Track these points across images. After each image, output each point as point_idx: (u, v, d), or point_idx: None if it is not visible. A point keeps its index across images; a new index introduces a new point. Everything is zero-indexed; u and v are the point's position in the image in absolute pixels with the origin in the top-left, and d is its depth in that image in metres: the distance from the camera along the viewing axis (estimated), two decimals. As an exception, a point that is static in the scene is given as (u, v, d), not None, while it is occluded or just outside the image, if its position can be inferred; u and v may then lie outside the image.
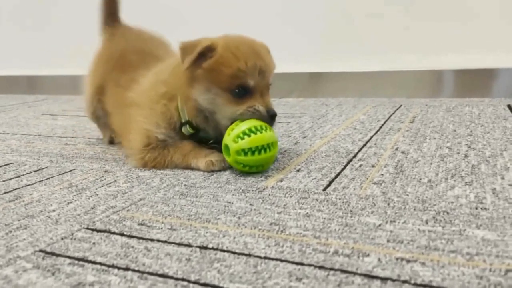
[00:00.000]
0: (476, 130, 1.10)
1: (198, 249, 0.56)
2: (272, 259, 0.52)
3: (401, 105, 1.54)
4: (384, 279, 0.47)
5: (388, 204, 0.67)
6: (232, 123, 0.85)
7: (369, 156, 0.93)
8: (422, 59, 1.70)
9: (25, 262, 0.55)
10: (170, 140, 0.92)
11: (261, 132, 0.82)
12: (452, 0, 1.63)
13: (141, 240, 0.59)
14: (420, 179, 0.77)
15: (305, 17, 1.84)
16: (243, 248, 0.56)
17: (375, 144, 1.03)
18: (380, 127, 1.20)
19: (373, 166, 0.86)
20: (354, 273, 0.48)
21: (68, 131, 1.37)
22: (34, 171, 0.94)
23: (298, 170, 0.86)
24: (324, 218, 0.63)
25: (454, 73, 1.66)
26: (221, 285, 0.48)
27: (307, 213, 0.65)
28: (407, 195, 0.70)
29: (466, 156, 0.89)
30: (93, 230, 0.63)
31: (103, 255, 0.56)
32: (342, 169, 0.85)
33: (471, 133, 1.08)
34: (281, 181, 0.80)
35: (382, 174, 0.81)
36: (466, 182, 0.74)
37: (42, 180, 0.87)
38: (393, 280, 0.47)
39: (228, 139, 0.83)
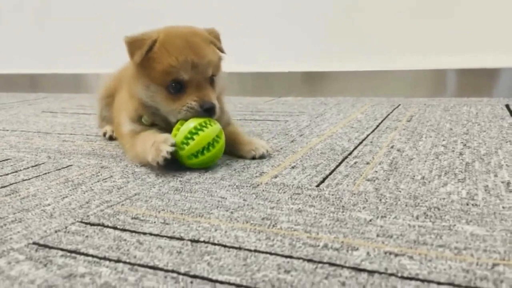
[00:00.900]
0: (472, 129, 1.11)
1: (189, 242, 0.56)
2: (262, 252, 0.53)
3: (399, 104, 1.54)
4: (371, 272, 0.47)
5: (380, 200, 0.67)
6: (177, 120, 0.87)
7: (365, 153, 0.94)
8: (422, 59, 1.70)
9: (18, 254, 0.55)
10: (136, 129, 0.93)
11: (203, 131, 0.83)
12: None
13: (133, 234, 0.60)
14: (414, 176, 0.78)
15: (305, 16, 1.84)
16: (234, 241, 0.56)
17: (371, 142, 1.03)
18: (377, 126, 1.20)
19: (367, 163, 0.87)
20: (342, 266, 0.49)
21: (67, 128, 1.37)
22: (32, 166, 0.95)
23: (293, 167, 0.86)
24: (316, 213, 0.63)
25: (454, 72, 1.66)
26: (210, 276, 0.48)
27: (299, 208, 0.66)
28: (400, 191, 0.70)
29: (461, 154, 0.89)
30: (86, 223, 0.64)
31: (96, 247, 0.56)
32: (337, 166, 0.86)
33: (467, 131, 1.08)
34: (276, 177, 0.81)
35: (376, 171, 0.81)
36: (459, 179, 0.75)
37: (39, 175, 0.88)
38: (380, 273, 0.47)
39: (176, 142, 0.84)
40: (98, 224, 0.63)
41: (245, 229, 0.59)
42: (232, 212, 0.65)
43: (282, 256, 0.52)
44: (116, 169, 0.91)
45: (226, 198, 0.71)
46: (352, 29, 1.79)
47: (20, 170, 0.93)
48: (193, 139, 0.83)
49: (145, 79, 0.87)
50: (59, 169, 0.92)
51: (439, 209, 0.63)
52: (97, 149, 1.09)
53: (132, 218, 0.65)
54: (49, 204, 0.72)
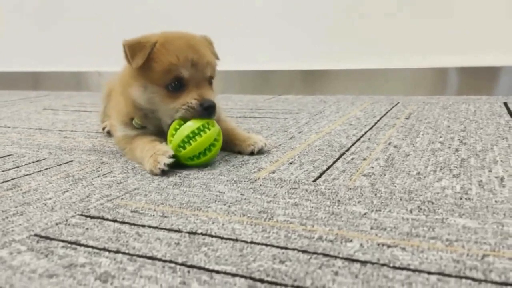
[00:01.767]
0: (469, 126, 1.12)
1: (187, 235, 0.58)
2: (258, 243, 0.54)
3: (398, 103, 1.55)
4: (363, 263, 0.48)
5: (375, 194, 0.68)
6: (172, 121, 0.87)
7: (362, 150, 0.95)
8: (421, 57, 1.71)
9: (20, 245, 0.57)
10: (130, 134, 0.95)
11: (200, 136, 0.84)
12: (450, -2, 1.64)
13: (133, 226, 0.61)
14: (409, 171, 0.79)
15: (305, 17, 1.85)
16: (230, 233, 0.57)
17: (368, 139, 1.04)
18: (376, 123, 1.21)
19: (364, 159, 0.88)
20: (336, 257, 0.50)
21: (68, 125, 1.39)
22: (33, 162, 0.96)
23: (290, 163, 0.87)
24: (312, 207, 0.65)
25: (454, 71, 1.67)
26: (207, 266, 0.49)
27: (296, 202, 0.67)
28: (395, 186, 0.72)
29: (457, 150, 0.91)
30: (87, 216, 0.65)
31: (95, 239, 0.58)
32: (334, 162, 0.87)
33: (465, 129, 1.09)
34: (273, 172, 0.82)
35: (373, 167, 0.82)
36: (454, 175, 0.76)
37: (40, 171, 0.89)
38: (373, 264, 0.48)
39: (172, 144, 0.85)
40: (98, 217, 0.65)
41: (242, 222, 0.61)
42: (229, 206, 0.67)
43: (278, 247, 0.53)
44: (116, 165, 0.92)
45: (224, 193, 0.72)
46: (352, 29, 1.79)
47: (22, 165, 0.94)
48: (190, 143, 0.84)
49: (143, 81, 0.88)
50: (60, 165, 0.93)
51: (433, 203, 0.64)
52: (98, 146, 1.10)
53: (132, 211, 0.66)
54: (50, 198, 0.73)
